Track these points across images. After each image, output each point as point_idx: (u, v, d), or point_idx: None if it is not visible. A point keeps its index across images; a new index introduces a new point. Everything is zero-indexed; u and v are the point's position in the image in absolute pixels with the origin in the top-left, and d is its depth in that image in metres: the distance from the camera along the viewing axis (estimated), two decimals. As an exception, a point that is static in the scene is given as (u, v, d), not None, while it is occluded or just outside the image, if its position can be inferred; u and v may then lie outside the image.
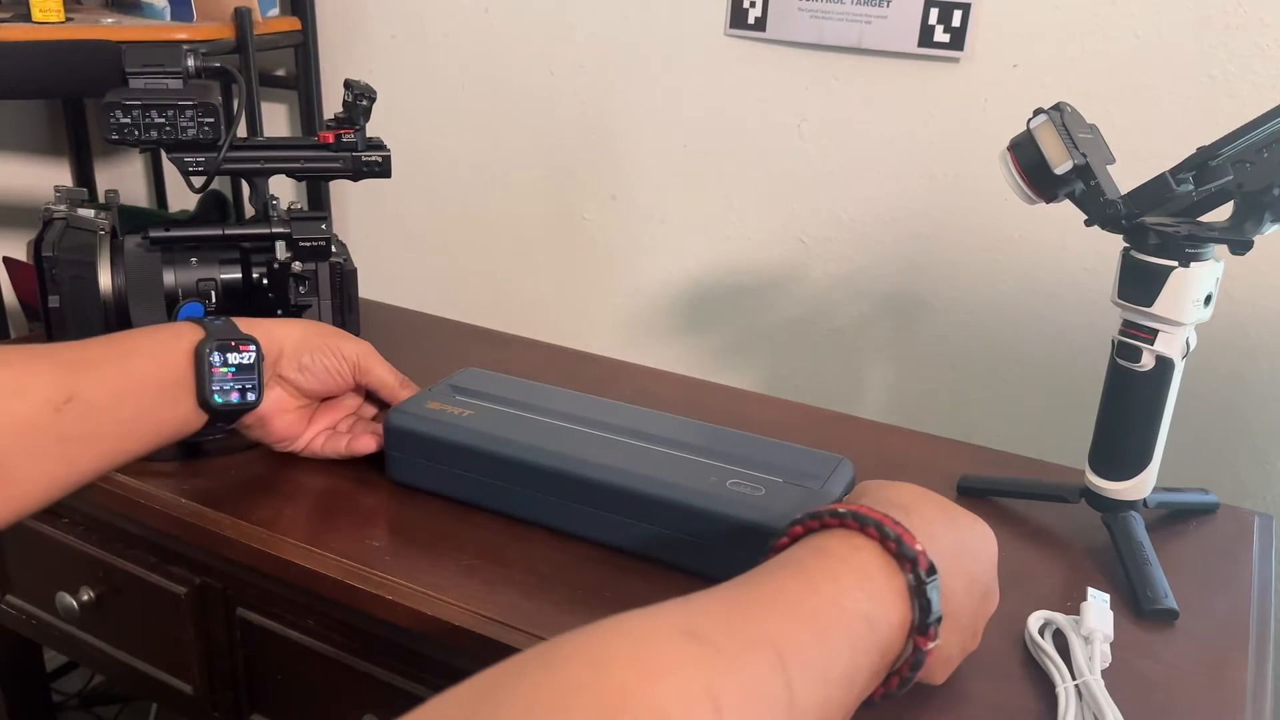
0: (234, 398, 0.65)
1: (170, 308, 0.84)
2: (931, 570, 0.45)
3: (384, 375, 0.75)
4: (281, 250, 0.85)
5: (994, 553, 0.55)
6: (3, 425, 0.53)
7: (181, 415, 0.64)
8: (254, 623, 0.74)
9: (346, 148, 0.87)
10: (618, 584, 0.64)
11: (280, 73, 1.52)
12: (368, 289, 0.99)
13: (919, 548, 0.45)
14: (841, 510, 0.47)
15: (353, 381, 0.74)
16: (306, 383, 0.72)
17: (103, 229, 0.83)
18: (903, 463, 0.83)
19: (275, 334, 0.70)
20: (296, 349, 0.70)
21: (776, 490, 0.64)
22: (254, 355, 0.66)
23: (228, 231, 0.85)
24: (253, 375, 0.66)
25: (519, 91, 1.36)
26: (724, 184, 1.25)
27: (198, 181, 0.85)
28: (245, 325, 0.67)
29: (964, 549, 0.52)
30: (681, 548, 0.65)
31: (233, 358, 0.64)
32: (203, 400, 0.64)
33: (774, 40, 1.17)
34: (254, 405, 0.67)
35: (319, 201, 1.49)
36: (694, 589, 0.63)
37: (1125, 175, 0.66)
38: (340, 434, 0.76)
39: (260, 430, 0.72)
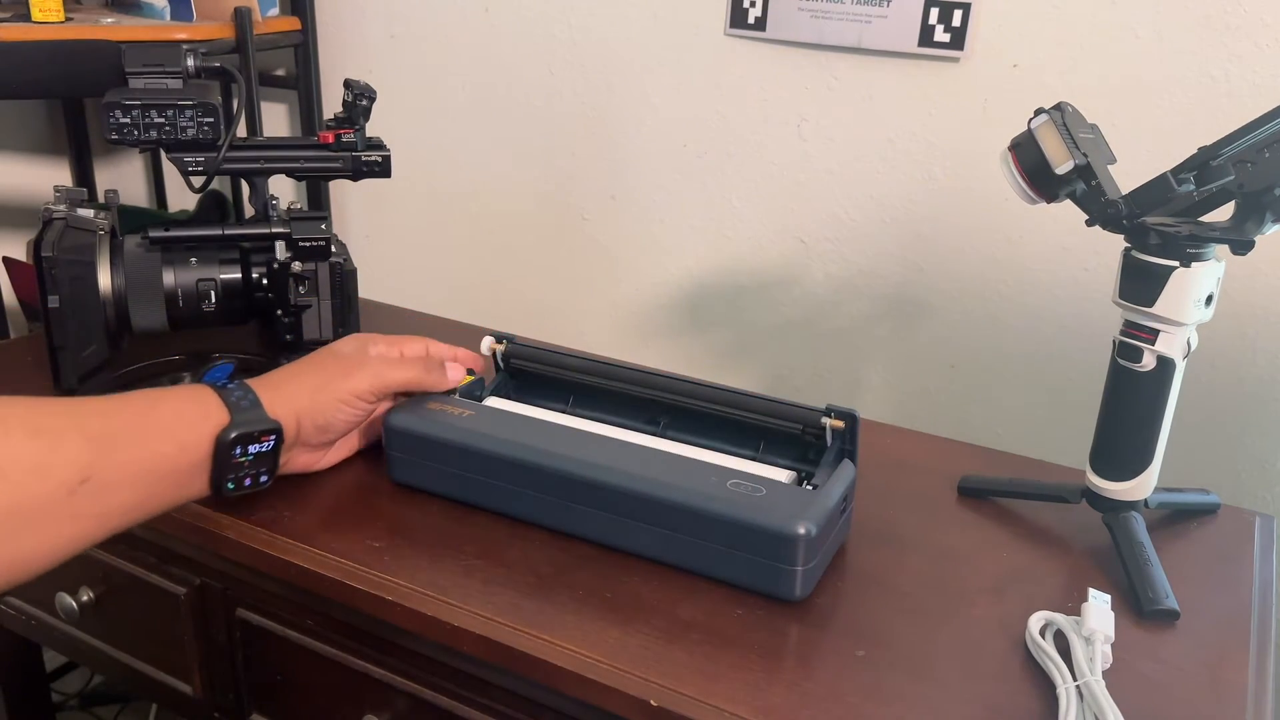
0: (246, 483, 0.65)
1: (170, 307, 0.84)
2: None
3: (408, 381, 0.73)
4: (281, 250, 0.85)
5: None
6: (19, 505, 0.52)
7: (189, 494, 0.63)
8: (254, 623, 0.74)
9: (346, 148, 0.87)
10: (618, 584, 0.64)
11: (280, 73, 1.52)
12: (368, 289, 0.99)
13: None
14: None
15: (379, 403, 0.73)
16: (334, 436, 0.71)
17: (102, 229, 0.83)
18: (903, 463, 0.83)
19: (290, 405, 0.67)
20: (310, 414, 0.68)
21: (776, 490, 0.64)
22: (274, 443, 0.65)
23: (227, 231, 0.85)
24: (269, 461, 0.65)
25: (519, 91, 1.36)
26: (724, 184, 1.25)
27: (197, 181, 0.85)
28: (263, 388, 0.65)
29: None
30: (682, 548, 0.65)
31: (254, 448, 0.63)
32: (215, 485, 0.63)
33: (774, 40, 1.17)
34: (265, 486, 0.66)
35: (319, 201, 1.49)
36: (695, 588, 0.64)
37: (1126, 175, 0.66)
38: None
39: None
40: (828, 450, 0.69)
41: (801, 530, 0.60)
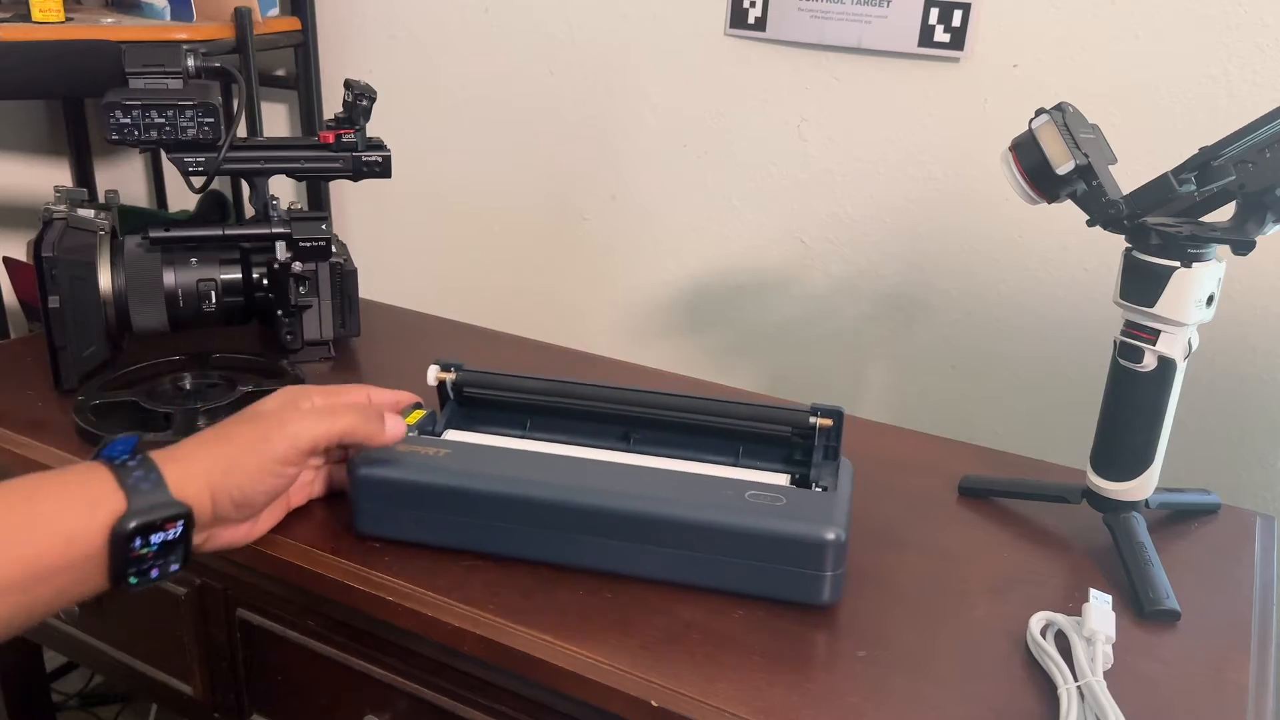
0: (153, 574, 0.55)
1: (170, 307, 0.84)
2: None
3: (338, 433, 0.62)
4: (282, 250, 0.85)
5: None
6: None
7: (84, 591, 0.54)
8: (254, 623, 0.74)
9: (346, 148, 0.87)
10: (618, 584, 0.64)
11: (280, 73, 1.52)
12: (368, 289, 0.99)
13: None
14: None
15: (303, 463, 0.62)
16: (257, 509, 0.62)
17: (103, 229, 0.83)
18: (903, 463, 0.83)
19: (203, 480, 0.57)
20: (226, 490, 0.58)
21: (794, 497, 0.63)
22: (181, 529, 0.55)
23: (228, 232, 0.85)
24: (178, 549, 0.56)
25: (519, 91, 1.36)
26: (724, 184, 1.25)
27: (198, 181, 0.85)
28: (170, 463, 0.56)
29: None
30: (705, 567, 0.63)
31: (157, 537, 0.54)
32: (114, 578, 0.54)
33: (774, 40, 1.17)
34: (175, 574, 0.57)
35: (319, 201, 1.49)
36: (695, 588, 0.63)
37: (1126, 175, 0.66)
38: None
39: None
40: (815, 449, 0.68)
41: (831, 535, 0.60)
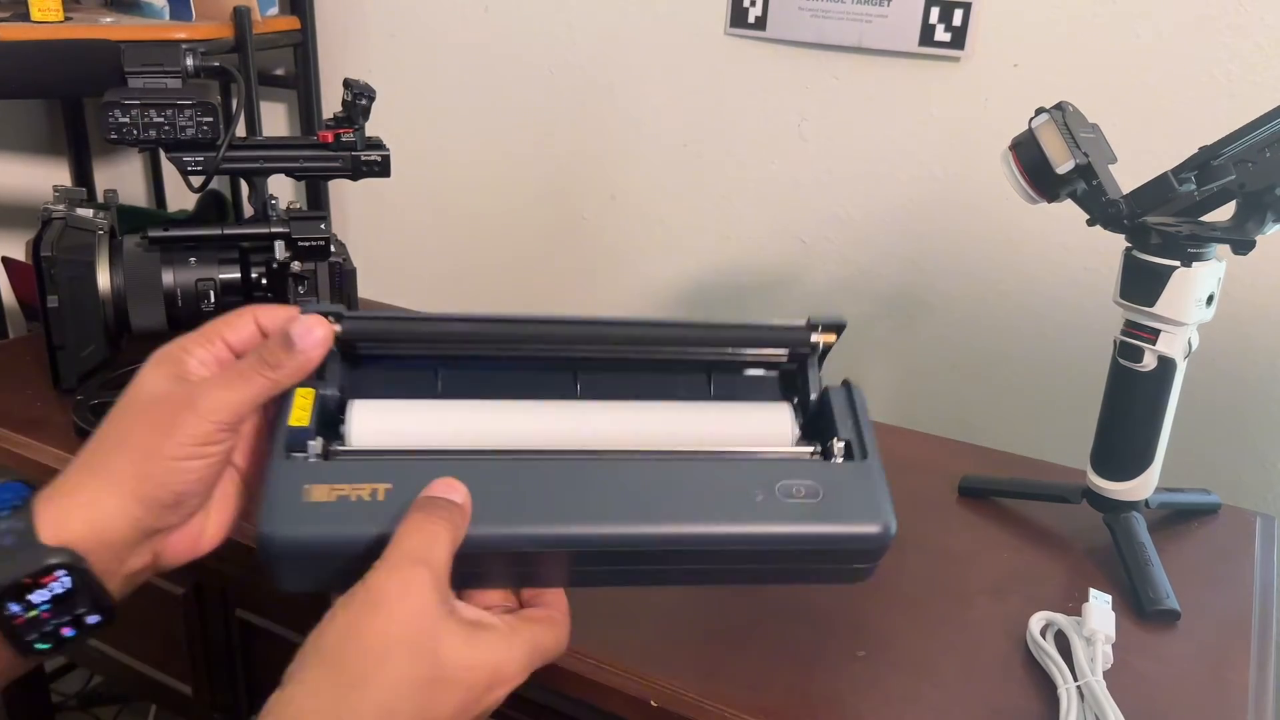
0: (65, 633, 0.46)
1: (169, 307, 0.84)
2: None
3: (254, 396, 0.49)
4: (281, 250, 0.85)
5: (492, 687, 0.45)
6: None
7: None
8: (253, 623, 0.74)
9: (346, 147, 0.87)
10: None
11: (280, 72, 1.52)
12: (367, 289, 0.99)
13: None
14: None
15: (232, 436, 0.49)
16: (197, 500, 0.49)
17: (101, 229, 0.83)
18: (903, 463, 0.82)
19: (110, 503, 0.46)
20: (144, 498, 0.47)
21: (830, 480, 0.52)
22: (69, 580, 0.45)
23: (227, 231, 0.85)
24: (83, 599, 0.46)
25: (519, 91, 1.36)
26: (724, 184, 1.25)
27: (197, 181, 0.85)
28: (51, 502, 0.46)
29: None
30: (734, 576, 0.56)
31: (39, 595, 0.45)
32: (21, 651, 0.46)
33: (774, 40, 1.17)
34: (101, 626, 0.47)
35: (318, 201, 1.49)
36: (698, 594, 0.63)
37: (1126, 175, 0.66)
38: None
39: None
40: (810, 368, 0.57)
41: (878, 529, 0.51)
